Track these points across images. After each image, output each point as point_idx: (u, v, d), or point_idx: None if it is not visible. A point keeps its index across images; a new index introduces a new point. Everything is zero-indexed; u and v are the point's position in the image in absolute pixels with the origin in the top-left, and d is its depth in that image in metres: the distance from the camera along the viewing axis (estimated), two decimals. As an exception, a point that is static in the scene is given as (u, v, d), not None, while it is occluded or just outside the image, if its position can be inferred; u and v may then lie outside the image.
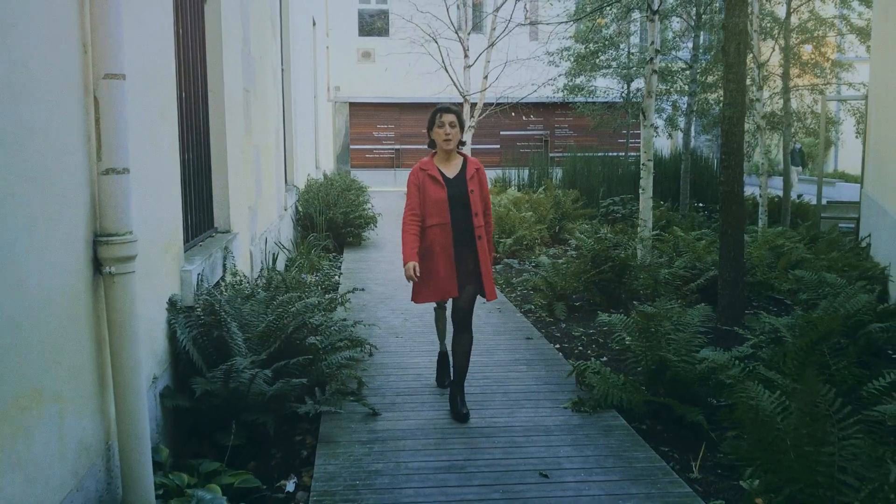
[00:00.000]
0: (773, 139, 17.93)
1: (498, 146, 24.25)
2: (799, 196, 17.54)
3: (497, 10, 14.99)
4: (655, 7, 9.21)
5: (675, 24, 17.47)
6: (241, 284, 5.19)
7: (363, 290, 6.55)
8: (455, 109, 4.80)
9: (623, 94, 18.59)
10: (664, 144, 20.74)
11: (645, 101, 9.41)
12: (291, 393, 4.23)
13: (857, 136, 15.53)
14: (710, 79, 15.77)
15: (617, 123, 19.14)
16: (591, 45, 17.56)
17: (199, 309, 4.22)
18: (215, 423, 4.02)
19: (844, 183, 21.85)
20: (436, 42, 14.80)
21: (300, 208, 11.78)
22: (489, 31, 15.39)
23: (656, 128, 16.76)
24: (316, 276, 8.50)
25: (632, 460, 4.02)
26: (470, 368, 4.89)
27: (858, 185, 12.41)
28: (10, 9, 2.32)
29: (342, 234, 11.75)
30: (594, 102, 19.41)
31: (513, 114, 19.23)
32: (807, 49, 16.24)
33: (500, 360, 5.82)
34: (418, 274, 4.58)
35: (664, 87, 16.84)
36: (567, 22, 14.24)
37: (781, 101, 15.20)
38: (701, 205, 15.08)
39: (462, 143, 4.83)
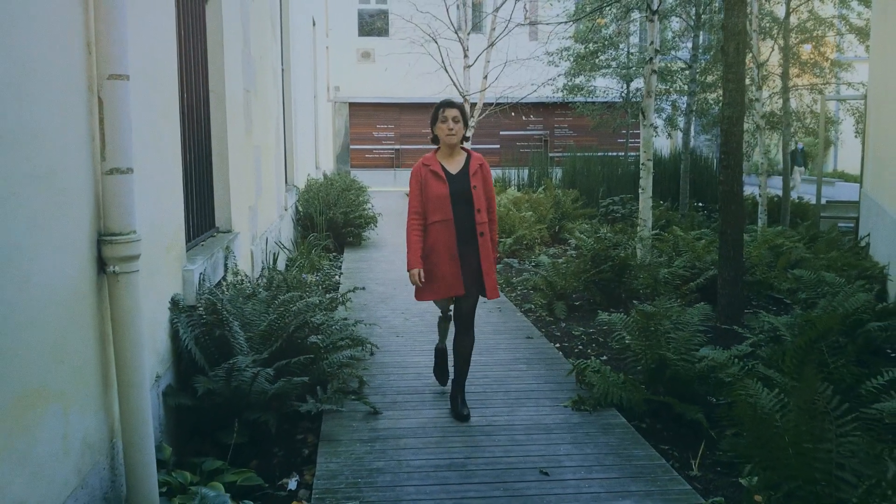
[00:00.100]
0: (772, 139, 17.96)
1: (498, 146, 24.27)
2: (799, 198, 17.58)
3: (497, 10, 15.02)
4: (655, 7, 9.23)
5: (675, 23, 17.50)
6: (243, 284, 5.21)
7: (364, 288, 6.57)
8: (458, 104, 4.72)
9: (622, 94, 18.62)
10: (664, 144, 20.77)
11: (644, 100, 9.44)
12: (293, 391, 4.25)
13: (856, 136, 15.56)
14: (709, 78, 15.81)
15: (616, 123, 19.17)
16: (590, 45, 17.59)
17: (201, 308, 4.25)
18: (217, 422, 4.04)
19: (844, 182, 21.89)
20: (435, 42, 14.83)
21: (300, 208, 11.80)
22: (489, 31, 15.42)
23: (656, 127, 16.79)
24: (316, 275, 8.52)
25: (631, 458, 4.04)
26: (471, 367, 4.90)
27: (858, 184, 12.44)
28: (15, 9, 2.34)
29: (342, 233, 11.77)
30: (594, 102, 19.44)
31: (512, 114, 19.26)
32: (806, 49, 16.28)
33: (500, 359, 5.84)
34: (423, 280, 4.60)
35: (664, 87, 16.87)
36: (567, 22, 14.27)
37: (781, 101, 15.23)
38: (700, 204, 15.11)
39: (466, 139, 4.76)
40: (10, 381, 2.25)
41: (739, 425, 3.34)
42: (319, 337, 4.64)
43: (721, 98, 7.65)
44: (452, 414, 4.66)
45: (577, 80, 18.48)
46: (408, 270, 4.64)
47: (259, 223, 7.36)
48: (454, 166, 4.68)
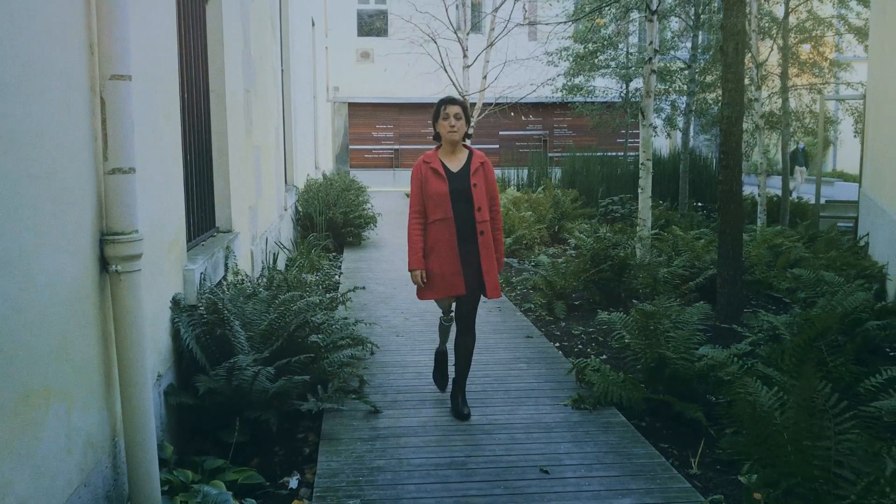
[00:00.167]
0: (771, 139, 17.98)
1: (497, 146, 24.29)
2: (798, 198, 17.60)
3: (496, 10, 15.04)
4: (654, 7, 9.25)
5: (674, 23, 17.52)
6: (243, 284, 5.22)
7: (364, 288, 6.58)
8: (461, 101, 4.66)
9: (622, 94, 18.64)
10: (663, 144, 20.78)
11: (644, 100, 9.46)
12: (294, 390, 4.27)
13: (855, 136, 15.57)
14: (708, 78, 15.82)
15: (616, 123, 19.18)
16: (589, 45, 17.60)
17: (202, 308, 4.26)
18: (218, 421, 4.05)
19: (843, 182, 21.92)
20: (435, 42, 14.85)
21: (300, 208, 11.82)
22: (488, 31, 15.45)
23: (655, 127, 16.80)
24: (316, 275, 8.54)
25: (631, 456, 4.06)
26: (471, 367, 4.90)
27: (857, 184, 12.46)
28: (19, 10, 2.36)
29: (342, 233, 11.79)
30: (593, 102, 19.46)
31: (512, 114, 19.30)
32: (805, 49, 16.29)
33: (500, 358, 5.86)
34: (425, 280, 4.60)
35: (663, 87, 16.89)
36: (566, 22, 14.29)
37: (780, 101, 15.25)
38: (699, 204, 15.13)
39: (468, 136, 4.71)
40: (15, 380, 2.26)
41: (739, 423, 3.36)
42: (320, 336, 4.65)
43: (720, 98, 7.67)
44: (453, 413, 4.67)
45: (577, 80, 18.50)
46: (409, 271, 4.65)
47: (259, 223, 7.38)
48: (455, 164, 4.62)
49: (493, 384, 5.24)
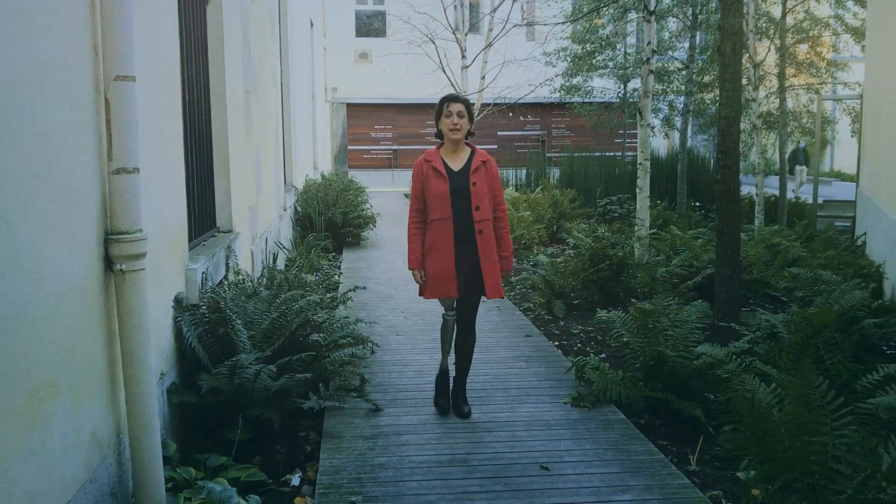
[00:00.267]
0: (769, 139, 18.03)
1: (495, 146, 24.33)
2: (796, 197, 17.65)
3: (494, 10, 15.08)
4: (652, 8, 9.29)
5: (672, 24, 17.56)
6: (244, 283, 5.25)
7: (364, 288, 6.61)
8: (464, 98, 4.60)
9: (620, 95, 18.68)
10: (661, 144, 20.82)
11: (642, 100, 9.50)
12: (295, 388, 4.30)
13: (852, 136, 15.63)
14: (706, 79, 15.86)
15: (614, 123, 19.22)
16: (587, 45, 17.64)
17: (203, 307, 4.29)
18: (221, 419, 4.08)
19: (840, 182, 21.98)
20: (433, 43, 14.88)
21: (299, 208, 11.85)
22: (486, 31, 15.49)
23: (653, 128, 16.83)
24: (316, 275, 8.56)
25: (631, 453, 4.09)
26: (471, 366, 4.93)
27: (854, 183, 12.50)
28: (28, 13, 2.39)
29: (341, 234, 11.82)
30: (591, 103, 19.50)
31: (510, 114, 19.32)
32: (802, 49, 16.34)
33: (500, 357, 5.89)
34: (424, 279, 4.60)
35: (661, 87, 16.93)
36: (564, 23, 14.33)
37: (777, 101, 15.30)
38: (697, 204, 15.18)
39: (471, 134, 4.65)
40: (24, 376, 2.29)
41: (737, 420, 3.39)
42: (321, 335, 4.69)
43: (718, 98, 7.71)
44: (453, 411, 4.70)
45: (575, 81, 18.53)
46: (409, 269, 4.68)
47: (259, 223, 7.40)
48: (457, 163, 4.58)
49: (493, 382, 5.28)
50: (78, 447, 2.67)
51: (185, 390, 4.00)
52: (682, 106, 16.26)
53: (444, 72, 14.56)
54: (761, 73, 14.33)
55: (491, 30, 15.18)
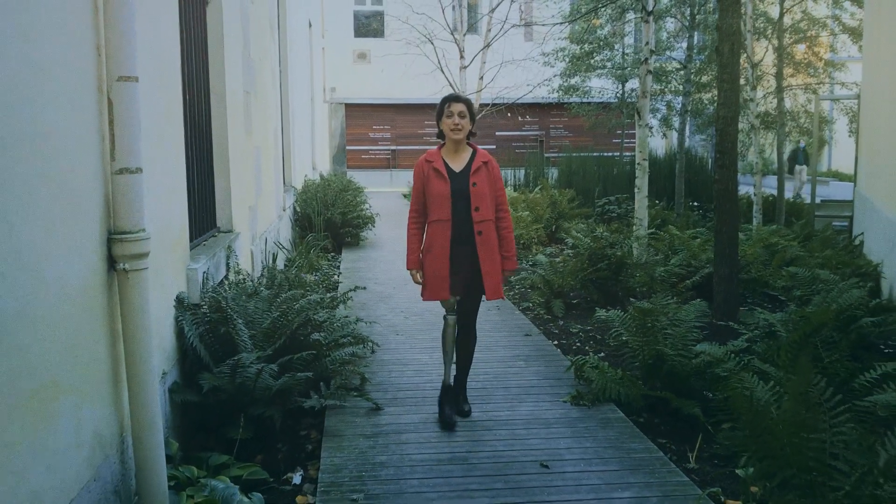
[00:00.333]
0: (766, 139, 18.07)
1: (494, 146, 24.35)
2: (794, 197, 17.68)
3: (492, 11, 15.11)
4: (650, 8, 9.31)
5: (670, 24, 17.60)
6: (245, 283, 5.27)
7: (364, 288, 6.63)
8: (465, 98, 4.56)
9: (618, 95, 18.71)
10: (659, 144, 20.85)
11: (640, 101, 9.53)
12: (296, 387, 4.31)
13: (850, 136, 15.68)
14: (704, 79, 15.89)
15: (612, 124, 19.24)
16: (585, 45, 17.67)
17: (205, 306, 4.31)
18: (222, 418, 4.10)
19: (838, 182, 22.03)
20: (431, 43, 14.90)
21: (298, 209, 11.87)
22: (485, 32, 15.51)
23: (651, 128, 16.88)
24: (315, 275, 8.58)
25: (630, 451, 4.12)
26: (471, 365, 4.95)
27: (852, 183, 12.54)
28: (31, 12, 2.41)
29: (340, 234, 11.83)
30: (589, 103, 19.51)
31: (508, 114, 19.34)
32: (800, 49, 16.39)
33: (499, 356, 5.92)
34: (421, 280, 4.60)
35: (658, 88, 16.96)
36: (562, 23, 14.36)
37: (775, 101, 15.34)
38: (695, 204, 15.21)
39: (472, 135, 4.61)
40: (28, 375, 2.31)
41: (736, 417, 3.42)
42: (322, 334, 4.71)
43: (716, 98, 7.73)
44: (454, 410, 4.72)
45: (573, 81, 18.55)
46: (407, 270, 4.70)
47: (259, 223, 7.42)
48: (458, 163, 4.54)
49: (493, 381, 5.30)
50: (81, 446, 2.69)
51: (186, 389, 4.02)
52: (679, 106, 16.29)
53: (443, 72, 14.58)
54: (759, 73, 14.36)
55: (489, 30, 15.21)
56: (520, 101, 16.06)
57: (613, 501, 3.56)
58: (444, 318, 4.67)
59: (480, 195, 4.46)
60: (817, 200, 14.26)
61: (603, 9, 15.35)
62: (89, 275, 2.84)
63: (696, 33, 15.35)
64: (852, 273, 7.61)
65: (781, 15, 14.48)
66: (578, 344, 6.44)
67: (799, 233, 10.93)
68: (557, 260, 8.55)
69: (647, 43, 9.41)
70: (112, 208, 3.02)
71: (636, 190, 9.45)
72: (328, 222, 11.57)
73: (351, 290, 5.80)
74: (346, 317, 5.38)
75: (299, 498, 3.69)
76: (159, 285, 3.75)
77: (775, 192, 15.39)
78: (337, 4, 24.05)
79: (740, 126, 11.99)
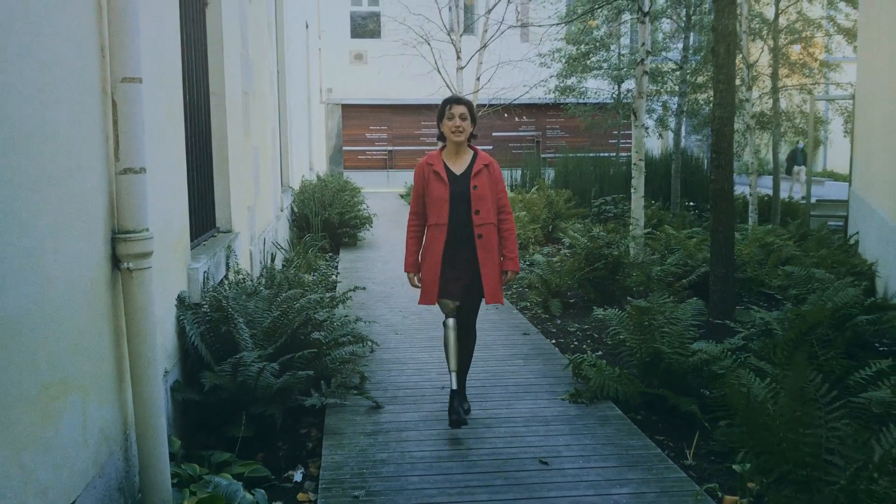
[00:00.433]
0: (762, 139, 18.13)
1: (491, 147, 24.40)
2: (789, 197, 17.75)
3: (489, 11, 15.16)
4: (646, 9, 9.36)
5: (666, 25, 17.66)
6: (245, 282, 5.30)
7: (364, 288, 6.66)
8: (467, 101, 4.49)
9: (614, 95, 18.77)
10: (654, 145, 20.94)
11: (636, 101, 9.57)
12: (297, 386, 4.34)
13: (845, 136, 15.73)
14: (699, 79, 15.95)
15: (608, 124, 19.30)
16: (582, 46, 17.72)
17: (206, 306, 4.35)
18: (223, 417, 4.13)
19: (833, 182, 22.10)
20: (428, 44, 14.93)
21: (296, 209, 11.89)
22: (481, 32, 15.55)
23: (647, 128, 16.93)
24: (313, 275, 8.61)
25: (628, 448, 4.16)
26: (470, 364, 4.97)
27: (847, 183, 12.60)
28: (39, 15, 2.44)
29: (338, 234, 11.86)
30: (585, 103, 19.58)
31: (505, 115, 19.38)
32: (795, 49, 16.45)
33: (498, 355, 5.95)
34: (418, 283, 4.59)
35: (654, 88, 17.02)
36: (558, 24, 14.40)
37: (771, 101, 15.40)
38: (691, 204, 15.27)
39: (474, 137, 4.55)
40: (36, 372, 2.34)
41: (733, 414, 3.45)
42: (322, 333, 4.74)
43: (712, 99, 7.78)
44: (462, 405, 4.73)
45: (569, 82, 18.61)
46: (405, 272, 4.70)
47: (257, 223, 7.46)
48: (459, 166, 4.48)
49: (492, 380, 5.34)
50: (87, 442, 2.72)
51: (188, 388, 4.05)
52: (675, 106, 16.35)
53: (440, 73, 14.62)
54: (754, 73, 14.42)
55: (486, 31, 15.25)
56: (516, 102, 16.10)
57: (612, 497, 3.60)
58: (444, 323, 4.56)
59: (481, 198, 4.41)
60: (812, 200, 14.33)
61: (599, 10, 15.41)
62: (94, 274, 2.87)
63: (691, 34, 15.41)
64: (847, 272, 7.66)
65: (777, 16, 14.55)
66: (576, 343, 6.48)
67: (794, 232, 10.99)
68: (555, 260, 8.60)
69: (643, 44, 9.45)
70: (116, 208, 3.05)
71: (633, 190, 9.50)
72: (326, 222, 11.60)
73: (350, 290, 5.83)
74: (346, 316, 5.41)
75: (300, 495, 3.72)
76: (161, 284, 3.77)
77: (771, 192, 15.45)
78: (333, 5, 24.09)
79: (736, 126, 12.04)
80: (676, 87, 16.17)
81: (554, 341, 6.45)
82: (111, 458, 2.96)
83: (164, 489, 3.16)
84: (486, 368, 5.55)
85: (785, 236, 10.23)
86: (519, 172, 19.03)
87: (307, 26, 17.07)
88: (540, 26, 14.12)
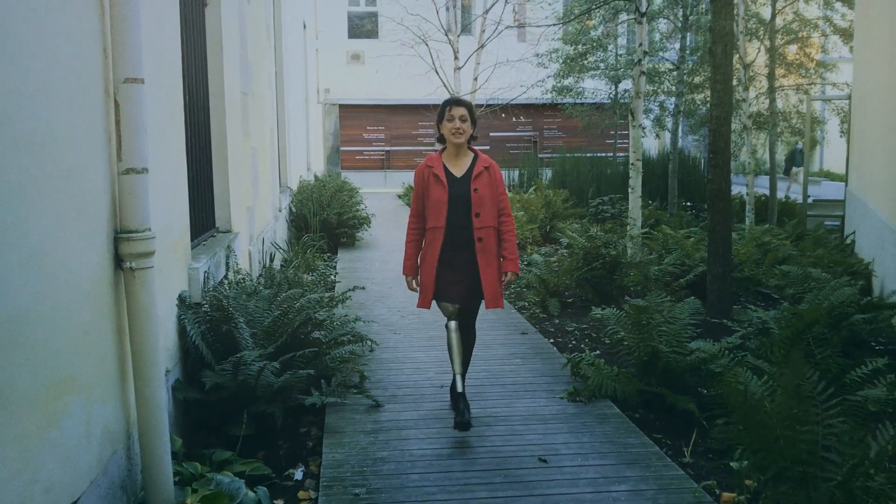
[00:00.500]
0: (759, 139, 18.17)
1: (488, 147, 24.43)
2: (786, 197, 17.80)
3: (486, 12, 15.19)
4: (643, 9, 9.39)
5: (662, 25, 17.69)
6: (245, 282, 5.33)
7: (363, 288, 6.69)
8: (467, 102, 4.47)
9: (611, 96, 18.81)
10: (652, 145, 20.96)
11: (633, 101, 9.60)
12: (297, 385, 4.37)
13: (841, 136, 15.77)
14: (696, 79, 16.00)
15: (605, 124, 19.34)
16: (579, 46, 17.76)
17: (206, 305, 4.37)
18: (224, 416, 4.15)
19: (830, 182, 22.17)
20: (426, 44, 14.96)
21: (294, 209, 11.91)
22: (479, 33, 15.59)
23: (644, 128, 16.97)
24: (312, 276, 8.63)
25: (626, 446, 4.19)
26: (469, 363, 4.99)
27: (843, 183, 12.65)
28: (42, 15, 2.46)
29: (336, 234, 11.88)
30: (582, 104, 19.61)
31: (502, 115, 19.42)
32: (792, 50, 16.50)
33: (497, 354, 5.98)
34: (415, 287, 4.58)
35: (651, 88, 17.06)
36: (556, 24, 14.44)
37: (767, 101, 15.45)
38: (688, 203, 15.30)
39: (474, 138, 4.54)
40: (41, 370, 2.36)
41: (730, 412, 3.48)
42: (322, 332, 4.77)
43: (708, 99, 7.82)
44: (451, 406, 4.77)
45: (566, 82, 18.65)
46: (403, 275, 4.70)
47: (256, 223, 7.47)
48: (459, 168, 4.46)
49: (491, 379, 5.37)
50: (91, 441, 2.74)
51: (189, 387, 4.07)
52: (672, 107, 16.39)
53: (437, 73, 14.65)
54: (751, 73, 14.47)
55: (483, 31, 15.29)
56: (514, 102, 16.16)
57: (611, 494, 3.63)
58: (446, 326, 4.54)
59: (481, 201, 4.39)
60: (809, 200, 14.38)
61: (596, 10, 15.45)
62: (97, 273, 2.89)
63: (688, 34, 15.45)
64: (844, 271, 7.70)
65: (773, 16, 14.60)
66: (574, 342, 6.51)
67: (791, 232, 11.03)
68: (552, 259, 8.63)
69: (640, 44, 9.49)
70: (118, 208, 3.07)
71: (630, 190, 9.53)
72: (324, 223, 11.62)
73: (349, 290, 5.85)
74: (346, 316, 5.44)
75: (301, 493, 3.74)
76: (162, 284, 3.79)
77: (767, 192, 15.50)
78: (330, 5, 24.10)
79: (733, 126, 12.08)
80: (673, 88, 16.21)
81: (552, 340, 6.48)
82: (114, 456, 2.98)
83: (166, 487, 3.18)
84: (485, 367, 5.58)
85: (782, 236, 10.27)
86: (516, 172, 19.07)
87: (305, 27, 17.08)
88: (537, 27, 14.17)
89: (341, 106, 25.36)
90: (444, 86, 14.78)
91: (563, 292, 7.99)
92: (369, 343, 5.60)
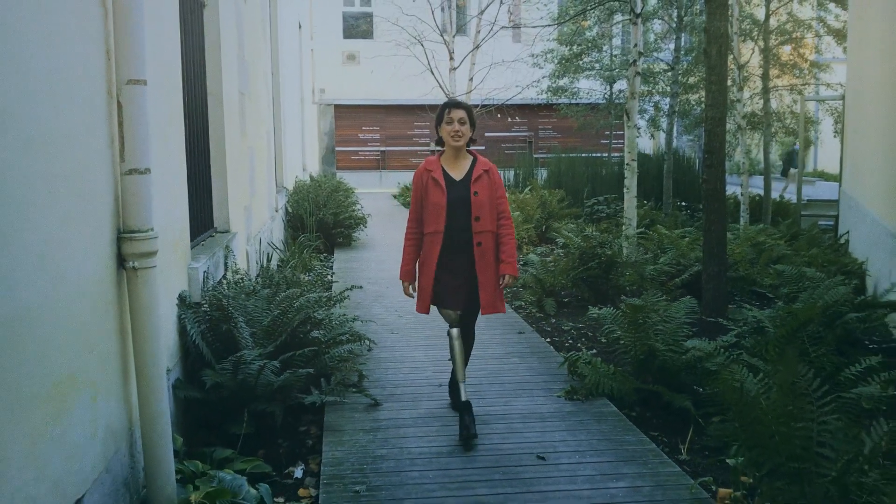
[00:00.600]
0: (753, 139, 18.25)
1: (483, 147, 24.47)
2: (780, 197, 17.87)
3: (481, 12, 15.23)
4: (638, 10, 9.44)
5: (657, 26, 17.76)
6: (243, 282, 5.35)
7: (361, 287, 6.71)
8: (466, 105, 4.41)
9: (606, 96, 18.86)
10: (646, 145, 21.02)
11: (628, 102, 9.66)
12: (297, 383, 4.40)
13: (835, 136, 15.87)
14: (691, 80, 16.06)
15: (600, 124, 19.39)
16: (574, 47, 17.80)
17: (205, 305, 4.39)
18: (224, 415, 4.18)
19: (823, 182, 22.26)
20: (421, 44, 14.99)
21: (290, 209, 11.93)
22: (474, 33, 15.63)
23: (639, 128, 17.01)
24: (308, 275, 8.65)
25: (623, 443, 4.23)
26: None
27: (837, 183, 12.72)
28: (49, 19, 2.49)
29: (332, 234, 11.89)
30: (577, 104, 19.66)
31: (498, 115, 19.43)
32: (786, 50, 16.58)
33: (494, 353, 6.02)
34: (412, 292, 4.57)
35: (646, 89, 17.11)
36: (551, 25, 14.49)
37: (762, 102, 15.52)
38: (683, 203, 15.36)
39: (473, 141, 4.52)
40: (47, 368, 2.39)
41: (726, 409, 3.52)
42: (321, 332, 4.80)
43: (703, 99, 7.86)
44: (451, 405, 4.81)
45: (561, 82, 18.69)
46: (400, 280, 4.66)
47: (253, 223, 7.50)
48: (458, 172, 4.43)
49: (489, 377, 5.40)
50: (95, 438, 2.77)
51: (189, 386, 4.10)
52: (667, 107, 16.45)
53: (433, 73, 14.68)
54: (746, 74, 14.53)
55: (478, 32, 15.33)
56: (509, 103, 16.19)
57: (608, 491, 3.67)
58: (448, 333, 4.50)
59: (481, 205, 4.36)
60: (803, 200, 14.45)
61: (591, 11, 15.50)
62: (101, 272, 2.92)
63: (683, 35, 15.52)
64: (838, 271, 7.76)
65: (767, 17, 14.67)
66: (571, 341, 6.55)
67: (785, 232, 11.10)
68: (548, 259, 8.67)
69: (635, 45, 9.54)
70: (121, 208, 3.10)
71: (625, 190, 9.58)
72: (320, 223, 11.63)
73: (347, 289, 5.88)
74: (344, 315, 5.47)
75: (301, 491, 3.77)
76: (163, 283, 3.81)
77: (762, 192, 15.57)
78: (325, 6, 24.11)
79: (727, 126, 12.14)
80: (668, 88, 16.27)
81: (549, 340, 6.52)
82: (117, 453, 3.01)
83: (168, 484, 3.21)
84: (482, 366, 5.61)
85: (776, 236, 10.33)
86: (512, 173, 19.11)
87: (300, 27, 17.09)
88: (533, 27, 14.21)
89: (337, 106, 25.36)
90: (440, 86, 14.82)
91: (559, 292, 8.03)
92: (368, 342, 5.63)
